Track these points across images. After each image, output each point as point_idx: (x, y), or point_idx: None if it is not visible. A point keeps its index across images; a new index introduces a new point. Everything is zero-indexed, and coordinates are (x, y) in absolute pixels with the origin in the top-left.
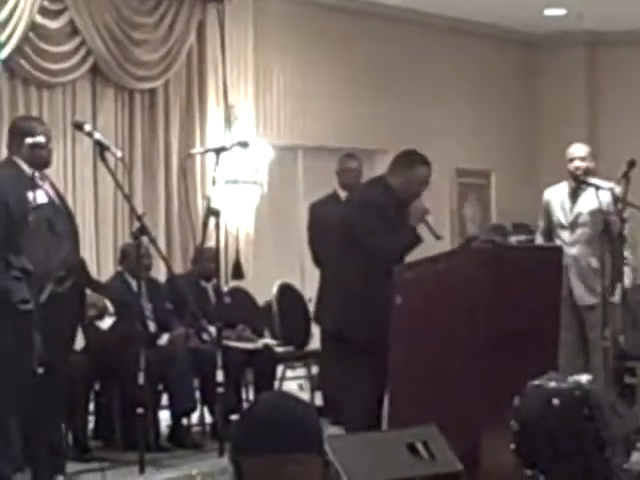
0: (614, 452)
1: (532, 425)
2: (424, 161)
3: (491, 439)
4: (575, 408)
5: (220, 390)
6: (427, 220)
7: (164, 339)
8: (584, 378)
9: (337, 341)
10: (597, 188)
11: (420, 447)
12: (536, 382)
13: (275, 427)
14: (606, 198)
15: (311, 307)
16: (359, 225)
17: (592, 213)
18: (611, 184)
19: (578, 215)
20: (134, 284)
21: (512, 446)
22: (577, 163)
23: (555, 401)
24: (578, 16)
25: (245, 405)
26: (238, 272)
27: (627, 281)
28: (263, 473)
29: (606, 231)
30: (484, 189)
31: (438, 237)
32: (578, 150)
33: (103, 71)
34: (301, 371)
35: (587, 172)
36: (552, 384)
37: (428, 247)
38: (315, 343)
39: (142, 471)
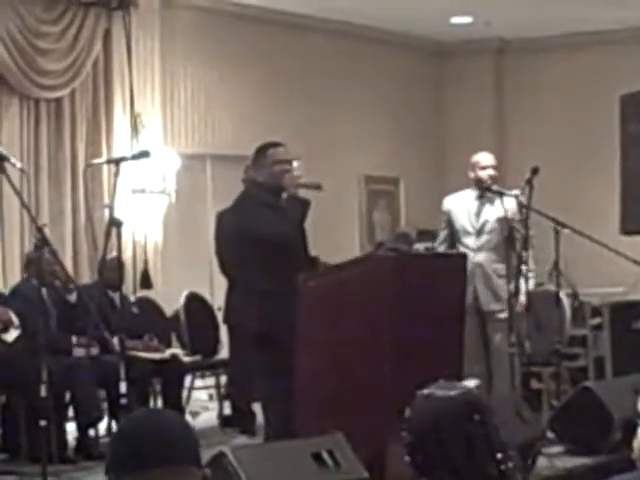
0: (506, 457)
1: (424, 435)
2: (273, 144)
3: (396, 446)
4: (466, 414)
5: (124, 401)
6: (301, 182)
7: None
8: (472, 383)
9: (235, 335)
10: (501, 195)
11: (326, 456)
12: (425, 391)
13: (152, 441)
14: (511, 205)
15: (220, 316)
16: (245, 226)
17: (498, 220)
18: (516, 191)
19: (485, 222)
20: (42, 289)
21: (406, 458)
22: (490, 171)
23: (446, 409)
24: (486, 23)
25: None
26: (146, 282)
27: (530, 286)
28: None
29: (510, 238)
30: (393, 196)
31: (318, 186)
32: (485, 159)
33: (8, 80)
34: (210, 380)
35: (493, 180)
36: (441, 392)
37: (337, 253)
38: (224, 352)
39: None
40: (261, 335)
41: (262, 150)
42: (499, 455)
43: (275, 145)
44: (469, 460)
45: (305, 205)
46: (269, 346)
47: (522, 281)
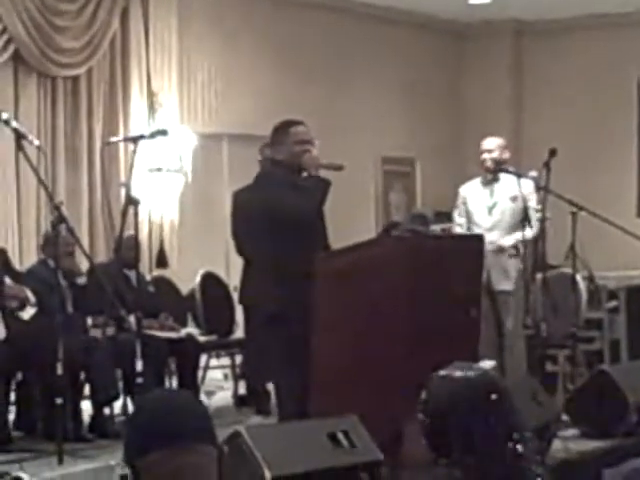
0: (523, 438)
1: (442, 416)
2: (295, 122)
3: (411, 428)
4: (483, 395)
5: (140, 380)
6: (322, 163)
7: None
8: (488, 364)
9: (250, 315)
10: (519, 176)
11: (341, 437)
12: (441, 372)
13: (168, 421)
14: (527, 186)
15: (235, 296)
16: (266, 204)
17: (512, 200)
18: (533, 173)
19: (496, 203)
20: (57, 270)
21: (423, 439)
22: (484, 156)
23: (463, 390)
24: None
25: None
26: (162, 260)
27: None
28: (161, 467)
29: (526, 219)
30: (409, 177)
31: (340, 167)
32: (487, 143)
33: (25, 58)
34: (225, 360)
35: (498, 163)
36: (458, 373)
37: (353, 234)
38: (239, 332)
39: (61, 462)
40: (276, 315)
41: (282, 128)
42: (516, 436)
43: (296, 123)
44: (487, 441)
45: (326, 185)
46: (284, 327)
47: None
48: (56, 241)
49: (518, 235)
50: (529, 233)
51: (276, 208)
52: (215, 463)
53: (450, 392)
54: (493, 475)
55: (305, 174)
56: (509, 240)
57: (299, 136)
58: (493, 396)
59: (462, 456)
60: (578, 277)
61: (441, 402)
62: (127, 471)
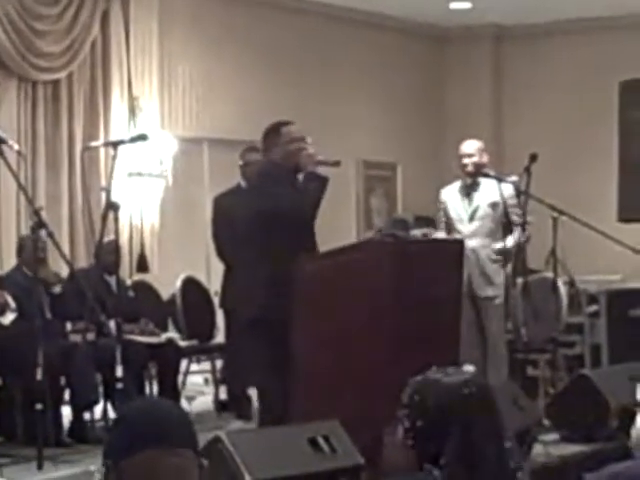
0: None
1: (428, 420)
2: (285, 122)
3: (393, 433)
4: (470, 399)
5: (120, 385)
6: (319, 159)
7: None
8: (469, 369)
9: (232, 319)
10: (500, 181)
11: (321, 441)
12: (426, 376)
13: (149, 424)
14: (508, 191)
15: (216, 300)
16: (266, 207)
17: (492, 206)
18: (514, 177)
19: (476, 208)
20: (33, 277)
21: (409, 443)
22: (465, 160)
23: (449, 394)
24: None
25: None
26: (143, 265)
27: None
28: (145, 468)
29: (507, 224)
30: (390, 181)
31: (336, 163)
32: (467, 147)
33: (5, 62)
34: (206, 365)
35: (479, 167)
36: (443, 377)
37: (333, 238)
38: (220, 337)
39: (40, 467)
40: (258, 320)
41: (273, 130)
42: (504, 440)
43: (286, 123)
44: (475, 446)
45: (324, 183)
46: (266, 331)
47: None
48: (35, 246)
49: (516, 236)
50: (510, 242)
51: (278, 209)
52: (197, 468)
53: (436, 396)
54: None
55: (303, 173)
56: (510, 241)
57: (292, 134)
58: (480, 401)
59: (448, 461)
60: (559, 281)
61: (427, 406)
62: (105, 472)
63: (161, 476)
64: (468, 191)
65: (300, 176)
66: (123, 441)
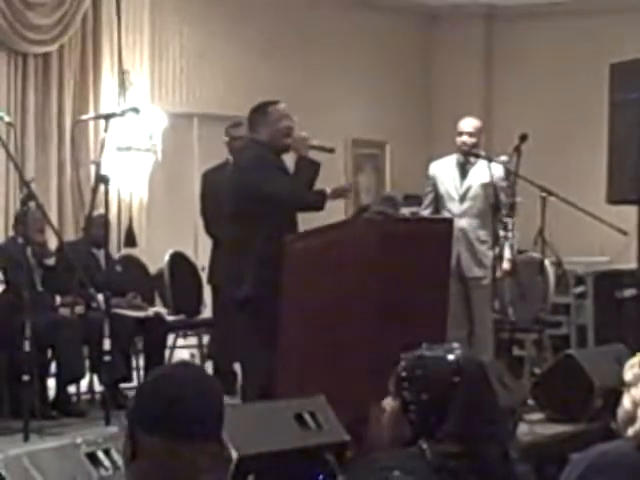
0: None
1: (432, 393)
2: (272, 102)
3: (378, 410)
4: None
5: (107, 358)
6: (312, 143)
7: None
8: (455, 345)
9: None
10: (490, 161)
11: (307, 417)
12: (419, 352)
13: (175, 409)
14: (498, 171)
15: (204, 276)
16: (253, 184)
17: (483, 186)
18: (504, 157)
19: (468, 188)
20: (27, 248)
21: (411, 416)
22: (464, 138)
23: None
24: None
25: (135, 374)
26: (131, 240)
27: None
28: (159, 454)
29: (496, 204)
30: (379, 160)
31: (331, 150)
32: (467, 125)
33: None
34: (192, 340)
35: (473, 147)
36: (435, 354)
37: (321, 216)
38: (207, 312)
39: (26, 439)
40: (246, 298)
41: (261, 108)
42: (499, 416)
43: (274, 103)
44: (467, 420)
45: (316, 169)
46: (253, 308)
47: (506, 247)
48: (25, 220)
49: (507, 254)
50: (506, 263)
51: (265, 191)
52: (222, 462)
53: (429, 372)
54: (477, 454)
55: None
56: (506, 262)
57: (280, 112)
58: (472, 377)
59: (442, 436)
60: (546, 262)
61: (420, 382)
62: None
63: (177, 469)
64: (462, 169)
65: (292, 159)
66: (141, 416)
